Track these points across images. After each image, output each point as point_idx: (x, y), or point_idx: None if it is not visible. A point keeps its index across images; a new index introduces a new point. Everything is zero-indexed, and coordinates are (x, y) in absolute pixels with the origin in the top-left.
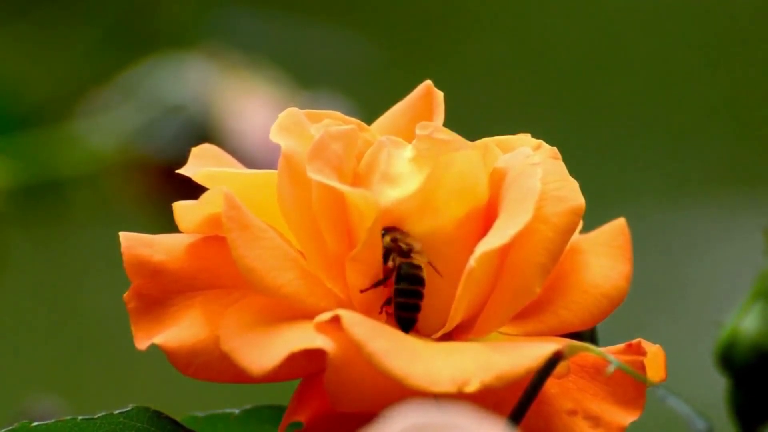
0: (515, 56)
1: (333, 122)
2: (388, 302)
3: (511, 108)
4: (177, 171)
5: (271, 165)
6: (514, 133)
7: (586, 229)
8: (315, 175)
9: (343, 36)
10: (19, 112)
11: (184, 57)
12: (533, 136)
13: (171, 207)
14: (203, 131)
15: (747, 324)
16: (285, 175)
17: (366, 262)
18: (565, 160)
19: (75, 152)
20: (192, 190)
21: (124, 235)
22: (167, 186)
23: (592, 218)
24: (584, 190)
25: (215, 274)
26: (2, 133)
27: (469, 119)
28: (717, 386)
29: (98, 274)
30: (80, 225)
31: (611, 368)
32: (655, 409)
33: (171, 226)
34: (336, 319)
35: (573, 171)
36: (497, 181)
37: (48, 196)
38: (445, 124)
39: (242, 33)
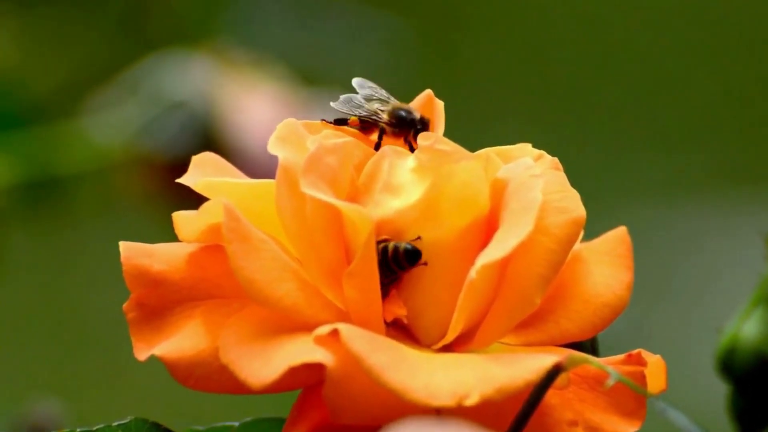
0: (515, 56)
1: (331, 134)
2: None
3: (510, 108)
4: (177, 180)
5: (273, 163)
6: (513, 132)
7: (584, 228)
8: (308, 190)
9: (351, 33)
10: (22, 109)
11: (188, 54)
12: (532, 134)
13: (175, 204)
14: (207, 128)
15: (747, 330)
16: (283, 186)
17: (362, 277)
18: (564, 160)
19: (79, 149)
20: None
21: (123, 245)
22: (171, 183)
23: (592, 218)
24: (583, 190)
25: (215, 283)
26: (6, 130)
27: (469, 119)
28: (717, 390)
29: (101, 273)
30: (84, 222)
31: (611, 381)
32: (656, 418)
33: None
34: (335, 332)
35: (572, 171)
36: (498, 191)
37: (51, 193)
38: (447, 126)
39: (248, 29)
